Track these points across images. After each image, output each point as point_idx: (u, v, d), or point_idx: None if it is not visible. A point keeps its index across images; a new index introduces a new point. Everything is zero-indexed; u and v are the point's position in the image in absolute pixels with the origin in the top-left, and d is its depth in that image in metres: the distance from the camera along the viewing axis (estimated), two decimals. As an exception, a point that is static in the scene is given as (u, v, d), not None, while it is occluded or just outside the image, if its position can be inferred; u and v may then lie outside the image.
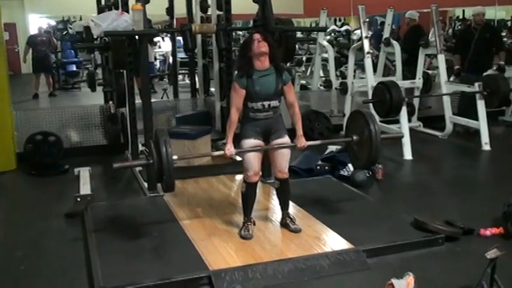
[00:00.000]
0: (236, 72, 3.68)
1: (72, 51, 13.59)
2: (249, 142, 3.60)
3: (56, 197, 4.94)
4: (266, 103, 3.58)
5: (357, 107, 7.37)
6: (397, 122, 6.24)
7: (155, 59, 12.86)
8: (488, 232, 3.75)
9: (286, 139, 3.69)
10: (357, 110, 4.08)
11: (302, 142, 3.70)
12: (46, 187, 5.30)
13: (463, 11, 14.27)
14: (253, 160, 3.62)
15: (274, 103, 3.60)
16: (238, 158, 3.84)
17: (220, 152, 3.66)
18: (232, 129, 3.59)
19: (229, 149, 3.58)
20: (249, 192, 3.70)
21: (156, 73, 12.10)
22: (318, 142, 4.08)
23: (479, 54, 7.02)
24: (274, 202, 4.28)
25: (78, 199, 4.52)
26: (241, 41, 3.68)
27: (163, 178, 3.35)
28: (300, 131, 3.71)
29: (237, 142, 3.66)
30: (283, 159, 3.70)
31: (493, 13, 10.79)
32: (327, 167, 5.24)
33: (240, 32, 14.47)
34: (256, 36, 3.56)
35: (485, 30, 7.10)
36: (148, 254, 3.49)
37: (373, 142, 3.76)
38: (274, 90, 3.57)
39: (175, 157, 3.34)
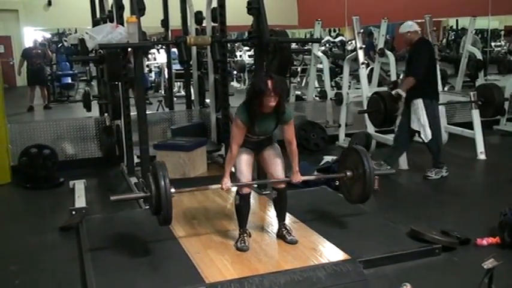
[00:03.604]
0: (239, 107, 3.57)
1: (67, 63, 13.60)
2: (242, 157, 3.65)
3: (51, 210, 4.91)
4: (262, 137, 3.69)
5: (352, 117, 7.44)
6: (393, 132, 6.25)
7: (150, 70, 12.87)
8: (484, 242, 3.75)
9: (275, 146, 3.78)
10: (350, 147, 4.13)
11: (297, 177, 3.76)
12: (41, 200, 5.27)
13: (457, 21, 14.36)
14: (246, 170, 3.67)
15: (268, 135, 3.72)
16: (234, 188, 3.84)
17: (218, 186, 3.69)
18: (230, 164, 3.63)
19: (226, 183, 3.64)
20: (242, 203, 3.71)
21: (149, 85, 12.08)
22: (312, 177, 4.26)
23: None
24: (270, 213, 4.28)
25: (73, 212, 4.51)
26: (253, 81, 3.49)
27: (160, 212, 3.36)
28: (296, 167, 3.74)
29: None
30: (277, 168, 3.72)
31: (486, 23, 10.84)
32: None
33: (236, 44, 14.54)
34: (270, 85, 3.38)
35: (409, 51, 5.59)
36: (144, 267, 3.46)
37: (367, 180, 3.77)
38: (273, 129, 3.67)
39: (173, 190, 3.36)
